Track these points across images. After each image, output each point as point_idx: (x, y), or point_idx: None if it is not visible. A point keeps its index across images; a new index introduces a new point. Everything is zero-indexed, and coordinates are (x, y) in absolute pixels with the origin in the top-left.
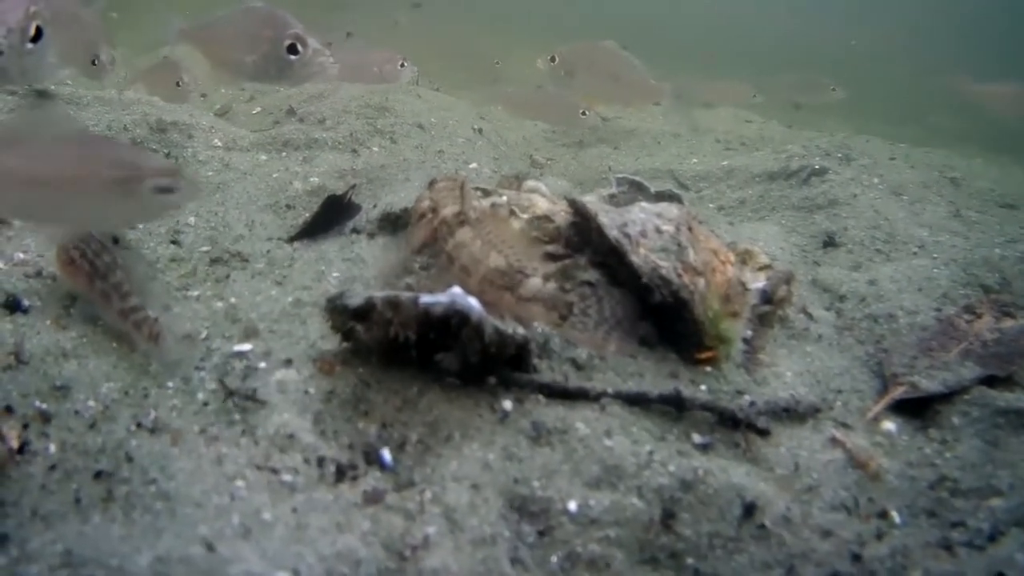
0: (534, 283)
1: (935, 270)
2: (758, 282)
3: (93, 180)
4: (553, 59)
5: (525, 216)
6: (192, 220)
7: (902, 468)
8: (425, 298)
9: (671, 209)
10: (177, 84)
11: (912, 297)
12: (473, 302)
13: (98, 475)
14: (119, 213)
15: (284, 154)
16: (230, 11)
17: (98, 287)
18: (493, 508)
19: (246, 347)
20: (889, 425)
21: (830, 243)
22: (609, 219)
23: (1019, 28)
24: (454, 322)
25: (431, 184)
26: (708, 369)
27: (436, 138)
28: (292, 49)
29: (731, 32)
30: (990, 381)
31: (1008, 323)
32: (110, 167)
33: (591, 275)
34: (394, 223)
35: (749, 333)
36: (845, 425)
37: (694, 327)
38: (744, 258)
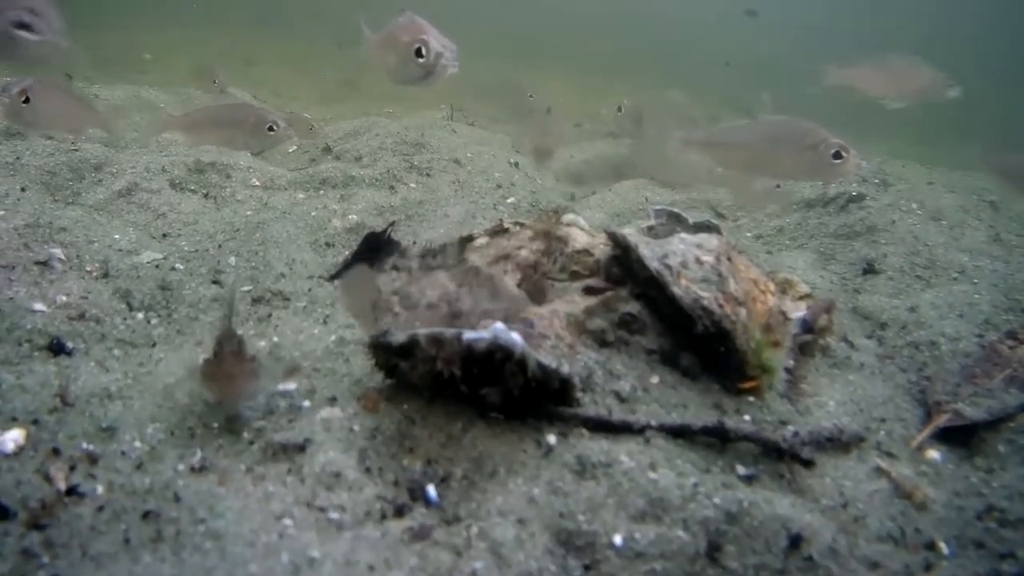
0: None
1: (976, 296)
2: (799, 311)
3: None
4: (619, 108)
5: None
6: (233, 260)
7: (949, 498)
8: (468, 334)
9: (711, 239)
10: None
11: (954, 323)
12: (516, 337)
13: (146, 515)
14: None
15: (322, 192)
16: None
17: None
18: (539, 543)
19: (290, 386)
20: (934, 454)
21: (870, 270)
22: (650, 251)
23: None
24: (498, 357)
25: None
26: (751, 399)
27: (473, 173)
28: None
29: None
30: None
31: None
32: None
33: (632, 307)
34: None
35: (791, 363)
36: (890, 454)
37: (737, 357)
38: (784, 287)
